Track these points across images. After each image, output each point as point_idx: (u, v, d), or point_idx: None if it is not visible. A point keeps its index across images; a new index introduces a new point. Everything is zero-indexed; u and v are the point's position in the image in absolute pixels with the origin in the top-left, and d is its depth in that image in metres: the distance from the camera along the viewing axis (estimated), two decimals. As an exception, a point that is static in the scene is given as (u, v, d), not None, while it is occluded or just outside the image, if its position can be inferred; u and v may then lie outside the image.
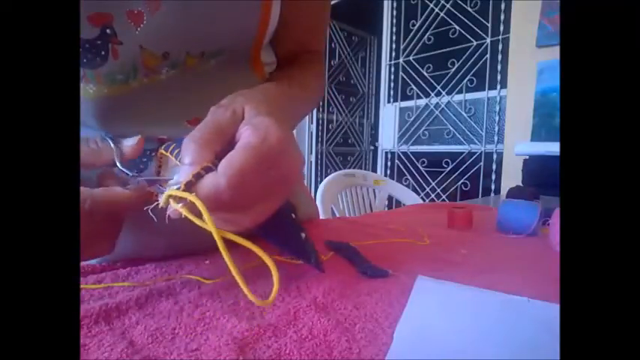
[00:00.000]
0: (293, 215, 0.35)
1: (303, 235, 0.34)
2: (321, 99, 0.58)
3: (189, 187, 0.24)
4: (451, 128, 2.25)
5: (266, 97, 0.32)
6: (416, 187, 2.43)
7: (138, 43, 0.35)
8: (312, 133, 3.09)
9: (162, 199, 0.25)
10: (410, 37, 2.42)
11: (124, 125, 0.39)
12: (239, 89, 0.33)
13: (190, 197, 0.24)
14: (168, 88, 0.39)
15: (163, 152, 0.30)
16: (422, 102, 2.39)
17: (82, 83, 0.35)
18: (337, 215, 1.32)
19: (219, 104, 0.29)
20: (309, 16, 0.51)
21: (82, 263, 0.39)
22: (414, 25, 2.40)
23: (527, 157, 1.40)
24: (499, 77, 2.01)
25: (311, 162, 3.12)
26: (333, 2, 2.78)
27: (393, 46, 2.51)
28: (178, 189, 0.24)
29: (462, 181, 2.26)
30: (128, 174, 0.30)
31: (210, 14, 0.36)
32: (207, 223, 0.23)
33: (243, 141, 0.26)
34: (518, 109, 1.73)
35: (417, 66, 2.40)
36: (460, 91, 2.21)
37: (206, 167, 0.25)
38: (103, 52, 0.34)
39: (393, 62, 2.53)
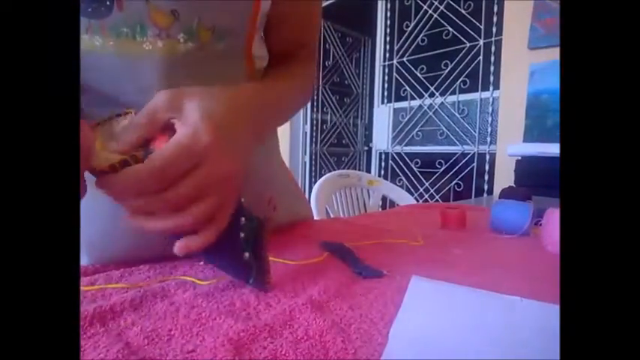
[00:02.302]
0: (241, 234, 0.33)
1: (246, 255, 0.33)
2: (311, 95, 0.58)
3: (113, 169, 0.27)
4: (444, 129, 2.26)
5: (224, 97, 0.33)
6: (410, 187, 2.44)
7: None
8: (306, 133, 3.09)
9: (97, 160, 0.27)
10: (404, 38, 2.43)
11: (127, 91, 0.38)
12: (228, 83, 0.35)
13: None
14: (185, 63, 0.38)
15: (128, 111, 0.31)
16: (416, 103, 2.40)
17: (86, 35, 0.35)
18: (331, 216, 1.32)
19: (166, 92, 0.31)
20: (301, 7, 0.51)
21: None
22: (407, 27, 2.41)
23: (520, 157, 1.42)
24: (492, 79, 2.02)
25: (305, 162, 3.11)
26: (327, 3, 2.78)
27: (387, 47, 2.52)
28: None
29: (455, 181, 2.27)
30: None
31: None
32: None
33: (174, 137, 0.29)
34: (510, 110, 1.75)
35: (411, 67, 2.41)
36: (453, 93, 2.22)
37: (133, 157, 0.28)
38: (107, 2, 0.35)
39: (387, 63, 2.54)
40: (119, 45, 0.36)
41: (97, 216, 0.39)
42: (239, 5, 0.41)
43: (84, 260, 0.40)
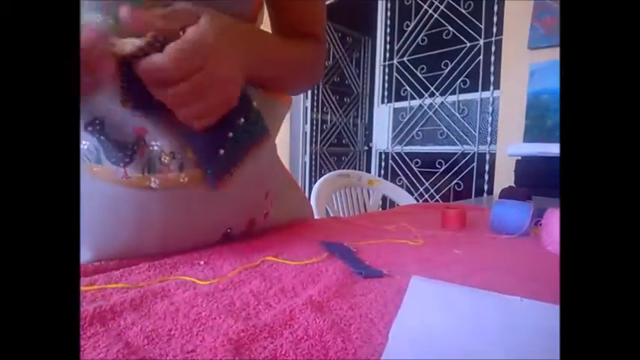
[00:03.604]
0: (242, 120, 0.41)
1: (221, 152, 0.40)
2: (314, 71, 0.61)
3: (141, 51, 0.32)
4: (445, 129, 2.26)
5: (229, 22, 0.39)
6: (410, 187, 2.44)
7: None
8: (306, 133, 3.09)
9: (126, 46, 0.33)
10: (404, 38, 2.43)
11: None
12: None
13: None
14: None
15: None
16: (416, 103, 2.40)
17: (87, 13, 0.36)
18: (331, 215, 1.32)
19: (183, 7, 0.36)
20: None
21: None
22: (408, 27, 2.41)
23: (520, 157, 1.42)
24: (492, 78, 2.02)
25: (305, 162, 3.11)
26: (327, 2, 2.78)
27: (387, 47, 2.52)
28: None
29: (455, 181, 2.27)
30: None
31: None
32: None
33: (185, 36, 0.34)
34: (510, 110, 1.75)
35: (411, 67, 2.41)
36: (453, 92, 2.22)
37: (155, 38, 0.32)
38: None
39: (387, 63, 2.54)
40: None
41: (98, 209, 0.39)
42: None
43: (85, 255, 0.40)
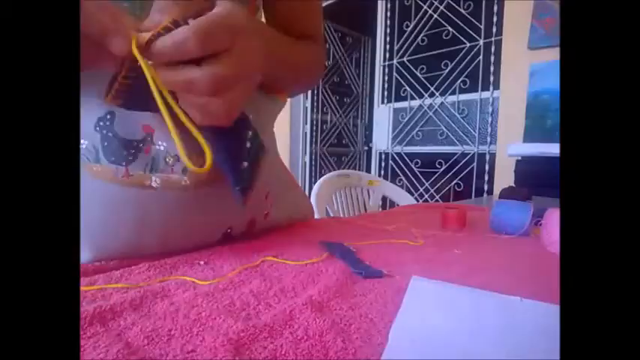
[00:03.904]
0: (248, 144, 0.38)
1: (245, 164, 0.37)
2: (315, 72, 0.60)
3: (157, 35, 0.28)
4: (444, 129, 2.26)
5: (238, 6, 0.36)
6: (410, 187, 2.44)
7: None
8: (306, 133, 3.09)
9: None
10: (404, 38, 2.43)
11: None
12: None
13: (142, 61, 0.28)
14: None
15: None
16: (415, 103, 2.40)
17: None
18: (332, 215, 1.32)
19: None
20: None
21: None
22: (407, 27, 2.41)
23: (520, 158, 1.42)
24: (492, 79, 2.02)
25: (305, 162, 3.11)
26: (327, 3, 2.78)
27: (387, 47, 2.52)
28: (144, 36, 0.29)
29: (455, 181, 2.27)
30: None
31: None
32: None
33: (213, 11, 0.30)
34: (510, 110, 1.75)
35: (411, 67, 2.41)
36: (453, 93, 2.22)
37: (174, 22, 0.29)
38: None
39: (387, 63, 2.54)
40: None
41: (99, 208, 0.39)
42: None
43: (85, 255, 0.40)
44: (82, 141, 0.38)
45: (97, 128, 0.38)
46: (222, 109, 0.31)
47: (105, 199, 0.39)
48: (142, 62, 0.28)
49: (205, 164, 0.30)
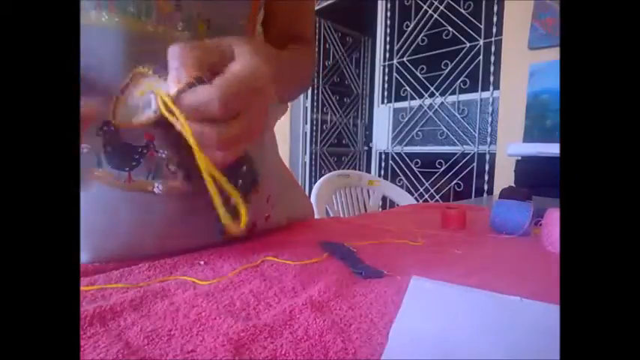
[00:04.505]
0: (244, 167, 0.38)
1: (233, 200, 0.35)
2: (309, 78, 0.62)
3: (180, 94, 0.27)
4: (444, 129, 2.27)
5: (256, 47, 0.34)
6: (410, 187, 2.44)
7: None
8: (306, 133, 3.09)
9: (155, 103, 0.28)
10: (404, 38, 2.43)
11: (131, 63, 0.39)
12: None
13: (181, 119, 0.27)
14: None
15: (141, 70, 0.31)
16: (415, 103, 2.40)
17: (94, 10, 0.36)
18: (331, 216, 1.32)
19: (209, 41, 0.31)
20: (291, 4, 0.55)
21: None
22: (407, 27, 2.41)
23: (520, 157, 1.42)
24: (492, 79, 2.02)
25: (305, 162, 3.11)
26: (327, 3, 2.78)
27: (387, 47, 2.52)
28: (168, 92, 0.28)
29: (455, 181, 2.27)
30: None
31: None
32: (197, 155, 0.28)
33: (238, 69, 0.29)
34: (510, 110, 1.75)
35: (411, 67, 2.41)
36: (453, 93, 2.22)
37: (197, 78, 0.27)
38: None
39: (387, 63, 2.54)
40: (124, 22, 0.37)
41: (98, 211, 0.39)
42: (236, 7, 0.44)
43: (84, 258, 0.40)
44: (84, 145, 0.38)
45: (100, 133, 0.38)
46: (222, 160, 0.31)
47: (105, 202, 0.39)
48: (182, 122, 0.28)
49: (240, 222, 0.30)
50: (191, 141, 0.28)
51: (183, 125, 0.28)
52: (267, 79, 0.31)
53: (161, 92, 0.28)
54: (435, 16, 2.27)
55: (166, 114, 0.28)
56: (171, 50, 0.29)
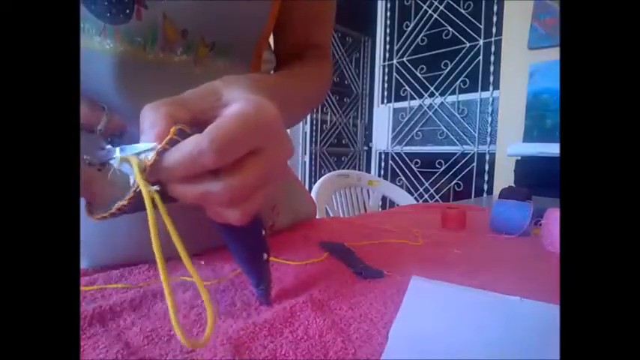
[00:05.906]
0: (263, 232, 0.31)
1: (265, 255, 0.31)
2: (324, 96, 0.56)
3: (161, 155, 0.23)
4: (444, 129, 2.27)
5: (255, 84, 0.30)
6: (409, 187, 2.44)
7: (162, 11, 0.36)
8: (306, 133, 3.08)
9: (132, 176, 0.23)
10: (403, 38, 2.43)
11: (128, 94, 0.37)
12: None
13: (152, 192, 0.23)
14: (176, 74, 0.39)
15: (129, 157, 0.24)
16: (415, 103, 2.40)
17: (99, 37, 0.36)
18: (331, 216, 1.32)
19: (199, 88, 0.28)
20: (313, 6, 0.51)
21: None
22: (407, 27, 2.41)
23: (520, 157, 1.42)
24: (492, 79, 2.02)
25: (305, 162, 3.11)
26: (327, 3, 2.78)
27: (387, 47, 2.52)
28: (146, 157, 0.23)
29: (455, 181, 2.27)
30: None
31: (229, 1, 0.39)
32: (169, 229, 0.24)
33: (232, 110, 0.25)
34: (510, 110, 1.75)
35: (411, 67, 2.41)
36: (453, 93, 2.22)
37: (179, 132, 0.23)
38: (127, 11, 0.35)
39: (386, 63, 2.54)
40: (128, 52, 0.36)
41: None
42: (247, 25, 0.42)
43: (83, 263, 0.39)
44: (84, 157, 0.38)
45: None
46: (239, 218, 0.26)
47: None
48: (144, 192, 0.23)
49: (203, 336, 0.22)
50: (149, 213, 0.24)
51: (146, 200, 0.23)
52: (274, 113, 0.26)
53: (135, 160, 0.23)
54: (435, 16, 2.27)
55: (144, 186, 0.23)
56: (142, 111, 0.25)
